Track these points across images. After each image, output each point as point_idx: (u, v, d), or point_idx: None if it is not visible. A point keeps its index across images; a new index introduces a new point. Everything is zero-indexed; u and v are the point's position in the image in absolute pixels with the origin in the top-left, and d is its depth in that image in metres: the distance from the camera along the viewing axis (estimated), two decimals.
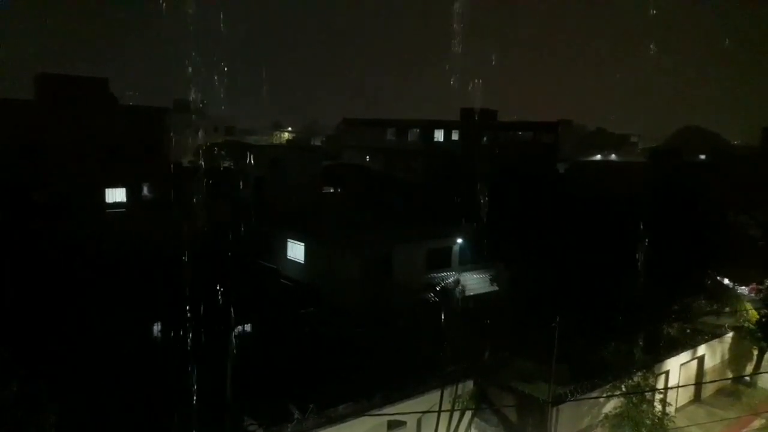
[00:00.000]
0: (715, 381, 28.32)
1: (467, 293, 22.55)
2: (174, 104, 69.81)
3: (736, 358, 29.81)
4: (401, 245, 29.69)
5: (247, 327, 22.59)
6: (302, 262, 31.09)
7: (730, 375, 29.65)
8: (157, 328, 21.59)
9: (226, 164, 52.81)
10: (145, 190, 37.39)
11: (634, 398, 21.03)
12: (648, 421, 20.91)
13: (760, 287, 31.44)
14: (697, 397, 28.20)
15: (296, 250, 31.54)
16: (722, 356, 29.30)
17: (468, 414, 20.47)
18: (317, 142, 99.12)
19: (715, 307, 30.72)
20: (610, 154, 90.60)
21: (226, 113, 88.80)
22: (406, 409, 18.53)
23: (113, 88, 40.02)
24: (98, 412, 14.92)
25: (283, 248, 32.15)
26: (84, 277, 21.68)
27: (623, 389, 21.41)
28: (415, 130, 75.83)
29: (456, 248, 31.83)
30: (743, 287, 33.11)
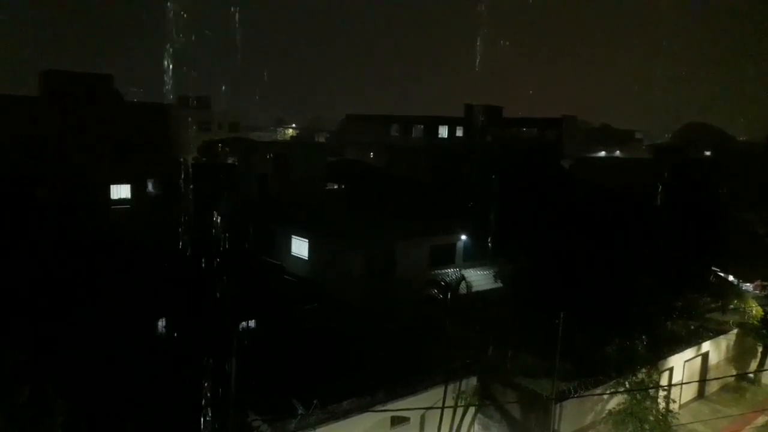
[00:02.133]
0: (719, 378, 28.29)
1: (471, 289, 22.51)
2: (178, 101, 69.89)
3: (740, 355, 29.75)
4: (405, 242, 29.71)
5: (252, 323, 22.66)
6: (306, 259, 31.15)
7: (734, 372, 29.59)
8: (162, 324, 21.67)
9: (230, 161, 52.83)
10: (150, 187, 37.45)
11: (637, 395, 21.01)
12: (651, 418, 20.90)
13: (765, 284, 31.38)
14: (701, 394, 28.19)
15: (300, 247, 31.61)
16: (726, 353, 29.23)
17: (471, 410, 20.53)
18: (321, 139, 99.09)
19: (719, 303, 30.67)
20: (615, 150, 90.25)
21: (230, 110, 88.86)
22: (409, 405, 18.57)
23: (118, 84, 40.07)
24: (105, 408, 15.00)
25: (287, 245, 32.21)
26: (90, 274, 21.76)
27: (627, 386, 21.39)
28: (418, 126, 75.76)
29: (460, 245, 31.83)
30: (748, 284, 33.04)
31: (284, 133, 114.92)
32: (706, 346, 27.70)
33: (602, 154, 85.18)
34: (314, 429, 16.66)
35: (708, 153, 75.93)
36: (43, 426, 12.21)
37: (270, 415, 16.39)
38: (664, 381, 24.82)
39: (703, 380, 27.91)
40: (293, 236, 32.02)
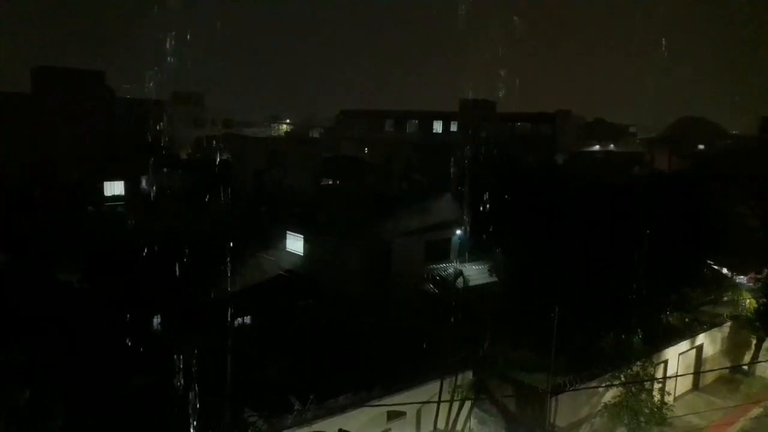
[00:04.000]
0: (713, 370, 28.43)
1: (466, 284, 22.53)
2: (172, 97, 69.52)
3: (734, 347, 29.91)
4: (400, 237, 29.68)
5: (247, 319, 22.63)
6: (301, 254, 31.10)
7: (728, 364, 29.75)
8: (157, 321, 21.60)
9: (224, 157, 52.70)
10: (144, 183, 37.31)
11: (633, 387, 21.10)
12: (646, 410, 21.00)
13: (759, 276, 31.50)
14: (695, 386, 28.33)
15: (295, 243, 31.54)
16: (721, 345, 29.39)
17: (467, 404, 20.56)
18: (315, 134, 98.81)
19: (713, 296, 30.80)
20: (609, 144, 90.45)
21: (225, 106, 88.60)
22: (405, 400, 18.60)
23: (111, 80, 39.90)
24: (101, 406, 14.93)
25: (283, 240, 32.14)
26: (84, 272, 21.68)
27: (622, 379, 21.48)
28: (413, 121, 75.71)
29: (454, 240, 31.84)
30: (741, 277, 33.19)
31: (278, 129, 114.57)
32: (700, 338, 27.84)
33: (596, 148, 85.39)
34: (310, 424, 16.66)
35: (701, 147, 76.26)
36: (41, 429, 12.14)
37: (266, 410, 16.36)
38: (659, 373, 24.94)
39: (697, 372, 28.06)
40: (288, 232, 31.95)
